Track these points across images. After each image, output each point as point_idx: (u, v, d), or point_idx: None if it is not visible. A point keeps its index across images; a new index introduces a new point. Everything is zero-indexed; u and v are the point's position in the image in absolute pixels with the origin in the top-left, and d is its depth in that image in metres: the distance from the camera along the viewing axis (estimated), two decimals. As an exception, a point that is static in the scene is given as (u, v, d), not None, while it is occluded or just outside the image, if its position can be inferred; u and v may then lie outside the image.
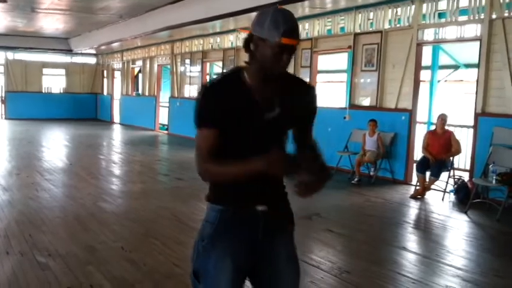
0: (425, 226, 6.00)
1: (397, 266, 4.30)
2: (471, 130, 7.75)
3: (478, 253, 4.85)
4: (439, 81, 9.44)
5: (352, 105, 8.98)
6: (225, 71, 2.04)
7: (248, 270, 1.93)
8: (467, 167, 7.46)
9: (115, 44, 16.87)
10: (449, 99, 11.37)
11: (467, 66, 10.08)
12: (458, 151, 7.01)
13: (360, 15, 8.68)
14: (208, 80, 1.86)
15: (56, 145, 12.94)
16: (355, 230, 5.50)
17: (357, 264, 4.36)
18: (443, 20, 7.46)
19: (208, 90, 1.87)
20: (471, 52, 9.50)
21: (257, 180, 1.83)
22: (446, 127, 7.17)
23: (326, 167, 1.89)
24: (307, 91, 2.01)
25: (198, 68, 13.95)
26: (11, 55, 19.86)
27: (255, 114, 1.85)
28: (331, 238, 5.08)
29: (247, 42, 1.84)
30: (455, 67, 10.23)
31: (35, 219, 5.37)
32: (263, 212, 1.90)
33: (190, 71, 14.42)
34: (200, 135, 1.85)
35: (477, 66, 7.10)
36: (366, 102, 8.82)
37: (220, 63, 13.16)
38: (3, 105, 20.06)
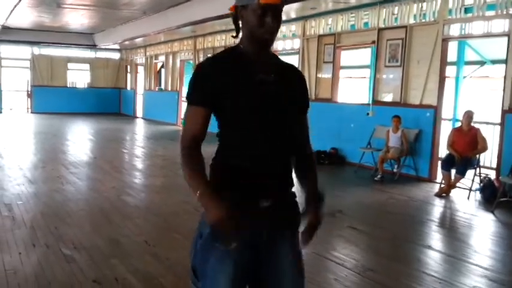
0: (450, 225, 5.91)
1: (422, 264, 4.24)
2: (497, 127, 7.61)
3: (504, 253, 4.75)
4: (464, 77, 9.26)
5: (375, 101, 8.88)
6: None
7: (250, 272, 1.79)
8: (494, 165, 7.32)
9: (138, 40, 17.01)
10: (475, 96, 11.16)
11: (494, 62, 9.86)
12: (484, 148, 6.87)
13: (384, 10, 8.57)
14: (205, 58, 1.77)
15: (80, 139, 13.12)
16: (379, 227, 5.44)
17: (381, 262, 4.32)
18: (469, 14, 7.31)
19: (205, 65, 1.78)
20: (498, 48, 9.32)
21: (261, 171, 1.74)
22: (472, 124, 7.03)
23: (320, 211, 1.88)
24: (299, 75, 1.93)
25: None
26: (37, 50, 20.20)
27: (251, 78, 1.74)
28: (354, 235, 5.04)
29: (235, 18, 1.78)
30: (482, 63, 10.01)
31: (60, 212, 5.45)
32: (267, 208, 1.77)
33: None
34: (189, 113, 1.76)
35: (504, 62, 6.95)
36: (389, 98, 8.71)
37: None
38: (29, 99, 20.42)
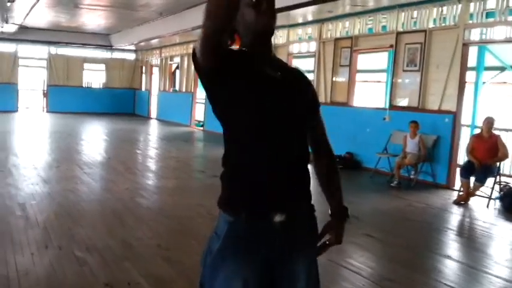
0: (469, 234, 5.77)
1: (441, 275, 4.12)
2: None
3: (526, 264, 4.62)
4: (484, 82, 9.10)
5: (392, 106, 8.75)
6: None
7: None
8: (514, 173, 7.16)
9: (154, 41, 17.04)
10: (495, 102, 10.96)
11: (515, 68, 9.67)
12: (505, 156, 6.71)
13: (403, 13, 8.45)
14: None
15: (94, 139, 13.16)
16: (396, 235, 5.32)
17: (399, 271, 4.20)
18: (491, 19, 7.16)
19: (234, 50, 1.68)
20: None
21: (274, 182, 1.61)
22: (492, 131, 6.88)
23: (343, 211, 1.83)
24: (304, 77, 1.82)
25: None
26: (53, 50, 20.34)
27: (258, 74, 1.63)
28: (371, 243, 4.93)
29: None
30: (502, 69, 9.83)
31: (73, 213, 5.42)
32: (282, 224, 1.63)
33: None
34: None
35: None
36: (406, 103, 8.57)
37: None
38: (45, 98, 20.57)
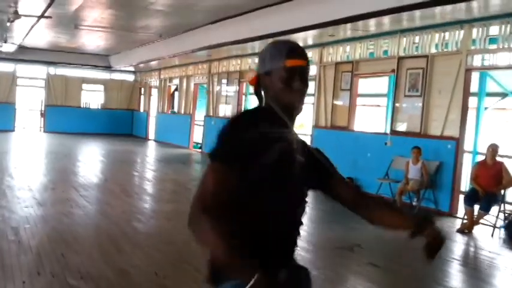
0: (474, 264, 5.61)
1: (450, 308, 3.97)
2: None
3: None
4: (486, 108, 9.04)
5: (394, 131, 8.66)
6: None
7: None
8: (519, 201, 7.03)
9: (153, 62, 17.04)
10: (496, 128, 10.90)
11: (516, 94, 9.63)
12: (510, 183, 6.60)
13: (404, 38, 8.42)
14: (242, 110, 1.57)
15: (91, 160, 13.01)
16: (400, 264, 5.16)
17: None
18: (494, 45, 7.13)
19: (246, 119, 1.60)
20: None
21: (283, 241, 1.64)
22: (496, 158, 6.78)
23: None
24: (313, 148, 1.81)
25: (234, 88, 13.88)
26: (52, 70, 20.31)
27: (290, 157, 1.62)
28: (375, 273, 4.77)
29: (256, 87, 1.66)
30: (503, 95, 9.80)
31: (67, 237, 5.25)
32: (286, 280, 1.63)
33: (227, 91, 14.37)
34: (214, 172, 1.50)
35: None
36: (408, 128, 8.48)
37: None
38: (42, 118, 20.46)
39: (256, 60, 9.64)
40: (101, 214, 6.63)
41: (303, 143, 1.75)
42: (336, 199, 1.81)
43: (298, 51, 1.62)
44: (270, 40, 8.00)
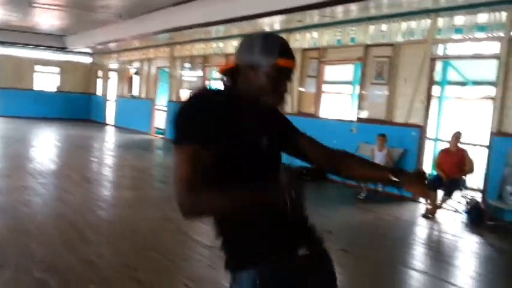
0: (438, 247, 5.72)
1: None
2: (480, 149, 7.56)
3: (490, 275, 4.60)
4: (447, 97, 9.23)
5: (359, 119, 8.72)
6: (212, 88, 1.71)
7: None
8: (480, 187, 7.23)
9: (112, 44, 16.50)
10: (457, 116, 11.16)
11: (476, 83, 9.89)
12: (471, 170, 6.77)
13: (371, 26, 8.45)
14: (197, 89, 1.51)
15: (47, 146, 12.53)
16: (372, 250, 5.21)
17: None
18: (459, 35, 7.24)
19: (203, 99, 1.54)
20: (480, 69, 9.34)
21: (285, 213, 1.49)
22: (459, 145, 6.92)
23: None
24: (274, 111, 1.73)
25: (198, 72, 13.64)
26: (2, 50, 19.34)
27: (250, 140, 1.58)
28: (346, 259, 4.78)
29: (231, 74, 1.58)
30: (463, 84, 10.04)
31: (29, 227, 5.01)
32: (305, 257, 1.60)
33: (190, 76, 14.10)
34: (184, 155, 1.46)
35: (487, 84, 6.91)
36: (374, 115, 8.55)
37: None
38: (-8, 101, 19.54)
39: (221, 44, 9.46)
40: (62, 202, 6.36)
41: (274, 112, 1.71)
42: (309, 159, 1.78)
43: (290, 51, 1.57)
44: (236, 24, 7.89)
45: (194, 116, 1.48)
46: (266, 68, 1.51)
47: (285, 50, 1.55)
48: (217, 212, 1.53)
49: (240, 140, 1.54)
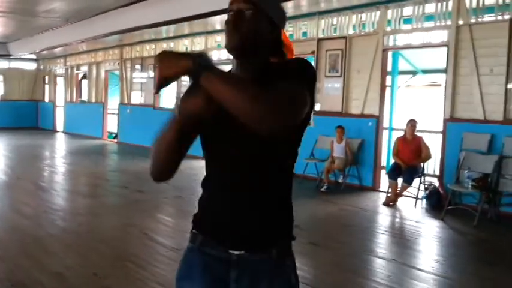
0: (402, 233, 5.89)
1: (381, 275, 4.13)
2: (434, 135, 7.83)
3: (451, 257, 4.78)
4: (399, 86, 9.50)
5: (316, 112, 8.82)
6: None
7: None
8: (437, 173, 7.48)
9: (58, 49, 15.97)
10: (407, 104, 11.52)
11: (425, 72, 10.24)
12: (428, 157, 7.00)
13: (323, 20, 8.56)
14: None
15: (-4, 157, 12.01)
16: (340, 242, 5.30)
17: (346, 277, 4.16)
18: (409, 25, 7.46)
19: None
20: (428, 58, 9.68)
21: (234, 201, 1.44)
22: (415, 133, 7.13)
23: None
24: (286, 63, 1.50)
25: (149, 73, 13.41)
26: None
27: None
28: (316, 251, 4.85)
29: None
30: (413, 73, 10.37)
31: (-13, 244, 4.80)
32: (239, 258, 1.46)
33: (141, 77, 13.85)
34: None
35: (437, 72, 7.16)
36: (330, 108, 8.68)
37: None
38: None
39: (172, 44, 9.29)
40: (20, 215, 6.11)
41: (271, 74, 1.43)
42: None
43: None
44: (187, 24, 7.76)
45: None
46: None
47: None
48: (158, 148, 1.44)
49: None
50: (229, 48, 1.47)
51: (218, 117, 1.34)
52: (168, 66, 1.28)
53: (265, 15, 1.44)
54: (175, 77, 1.29)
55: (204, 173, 1.56)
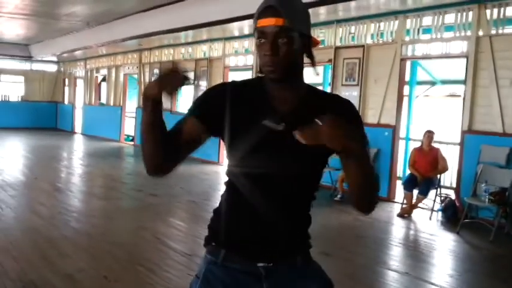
0: (416, 246, 5.81)
1: (405, 294, 4.08)
2: (452, 147, 7.73)
3: (482, 278, 4.70)
4: (417, 96, 9.41)
5: (332, 120, 8.78)
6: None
7: None
8: (453, 185, 7.38)
9: (78, 52, 16.22)
10: (426, 115, 11.41)
11: (444, 82, 10.14)
12: (445, 169, 6.90)
13: (341, 29, 8.54)
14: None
15: (15, 156, 12.18)
16: (353, 252, 5.25)
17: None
18: (428, 35, 7.39)
19: (217, 85, 1.52)
20: (448, 68, 9.58)
21: (265, 215, 1.43)
22: (432, 144, 7.05)
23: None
24: (340, 104, 1.50)
25: (167, 78, 13.46)
26: (-35, 60, 18.80)
27: (254, 118, 1.41)
28: (328, 262, 4.79)
29: None
30: (432, 83, 10.27)
31: (2, 243, 4.85)
32: (267, 270, 1.48)
33: (159, 81, 13.92)
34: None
35: (456, 83, 7.07)
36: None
37: (191, 74, 12.79)
38: (-45, 112, 18.92)
39: (190, 49, 9.41)
40: (36, 215, 6.18)
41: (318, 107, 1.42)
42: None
43: (272, 8, 1.35)
44: (205, 30, 7.81)
45: (202, 96, 1.50)
46: (254, 34, 1.40)
47: (265, 7, 1.36)
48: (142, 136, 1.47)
49: (237, 121, 1.42)
50: (271, 74, 1.41)
51: (261, 135, 1.39)
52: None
53: (297, 31, 1.40)
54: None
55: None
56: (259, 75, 1.48)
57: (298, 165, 1.44)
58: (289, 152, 1.40)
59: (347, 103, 1.53)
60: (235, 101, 1.42)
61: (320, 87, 10.32)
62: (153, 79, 1.44)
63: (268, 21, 1.35)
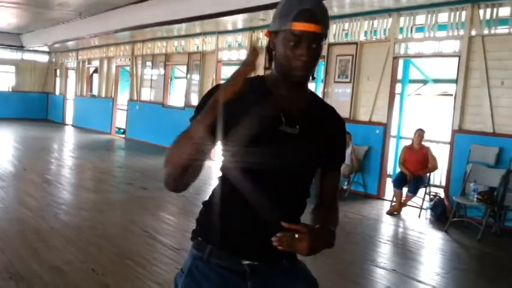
0: (405, 244, 5.84)
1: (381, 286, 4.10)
2: (442, 145, 7.76)
3: (469, 276, 4.73)
4: (409, 95, 9.44)
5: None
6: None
7: None
8: (443, 184, 7.42)
9: (70, 42, 16.07)
10: (418, 113, 11.44)
11: (436, 81, 10.17)
12: (435, 167, 6.95)
13: (334, 25, 8.52)
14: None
15: (4, 147, 12.08)
16: (342, 250, 5.24)
17: (346, 286, 4.13)
18: (421, 34, 7.40)
19: (214, 88, 1.43)
20: (440, 67, 9.61)
21: (259, 212, 1.41)
22: (423, 143, 7.08)
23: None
24: (337, 123, 1.58)
25: (160, 71, 13.44)
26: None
27: (269, 125, 1.41)
28: (319, 260, 4.80)
29: (268, 44, 1.46)
30: (424, 81, 10.29)
31: (-11, 234, 4.82)
32: (252, 268, 1.47)
33: (152, 74, 13.89)
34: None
35: (448, 81, 7.09)
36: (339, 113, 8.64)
37: (184, 68, 12.74)
38: None
39: (183, 42, 9.35)
40: (24, 207, 6.13)
41: (321, 115, 1.53)
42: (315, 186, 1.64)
43: (313, 14, 1.35)
44: (198, 23, 7.78)
45: (206, 99, 1.39)
46: (283, 33, 1.37)
47: (304, 11, 1.35)
48: (177, 154, 1.34)
49: (252, 124, 1.38)
50: (298, 78, 1.42)
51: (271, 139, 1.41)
52: None
53: (326, 37, 1.44)
54: None
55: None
56: (266, 72, 1.50)
57: (300, 164, 1.47)
58: (294, 151, 1.44)
59: (341, 122, 1.61)
60: (237, 100, 1.33)
61: (313, 84, 10.33)
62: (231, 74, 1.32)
63: (308, 27, 1.35)
